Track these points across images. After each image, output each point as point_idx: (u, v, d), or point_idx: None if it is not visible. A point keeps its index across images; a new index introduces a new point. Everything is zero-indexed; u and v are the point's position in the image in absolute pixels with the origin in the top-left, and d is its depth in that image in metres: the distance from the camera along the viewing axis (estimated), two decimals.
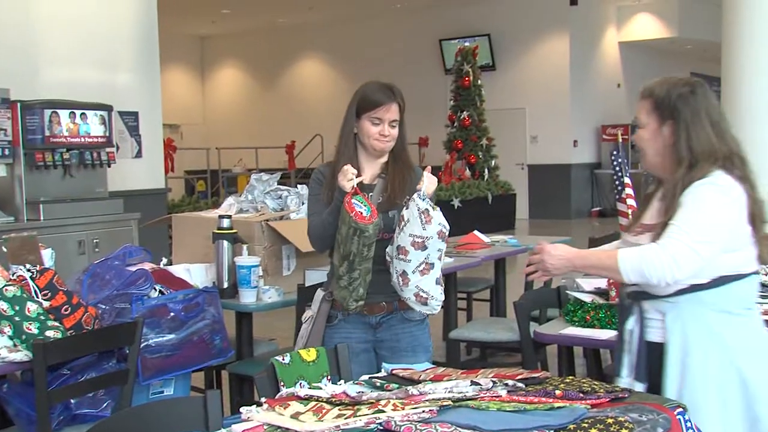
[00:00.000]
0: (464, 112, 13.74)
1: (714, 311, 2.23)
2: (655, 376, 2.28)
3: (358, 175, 2.77)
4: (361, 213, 2.66)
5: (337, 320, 2.91)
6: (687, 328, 2.24)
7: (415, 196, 2.66)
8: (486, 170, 13.82)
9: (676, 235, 2.16)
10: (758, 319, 2.34)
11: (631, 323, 2.35)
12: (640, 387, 2.28)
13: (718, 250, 2.18)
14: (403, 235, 2.66)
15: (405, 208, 2.68)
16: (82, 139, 6.13)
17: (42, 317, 2.85)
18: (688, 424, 1.91)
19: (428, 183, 2.69)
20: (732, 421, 2.20)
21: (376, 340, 2.91)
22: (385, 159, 2.94)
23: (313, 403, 1.92)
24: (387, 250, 2.73)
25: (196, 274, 3.74)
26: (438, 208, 2.66)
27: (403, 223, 2.67)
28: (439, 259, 2.71)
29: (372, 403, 1.89)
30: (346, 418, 1.79)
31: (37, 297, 2.93)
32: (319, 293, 2.95)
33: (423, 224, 2.61)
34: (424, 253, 2.65)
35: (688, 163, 2.25)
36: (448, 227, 2.67)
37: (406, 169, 2.91)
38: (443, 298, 2.77)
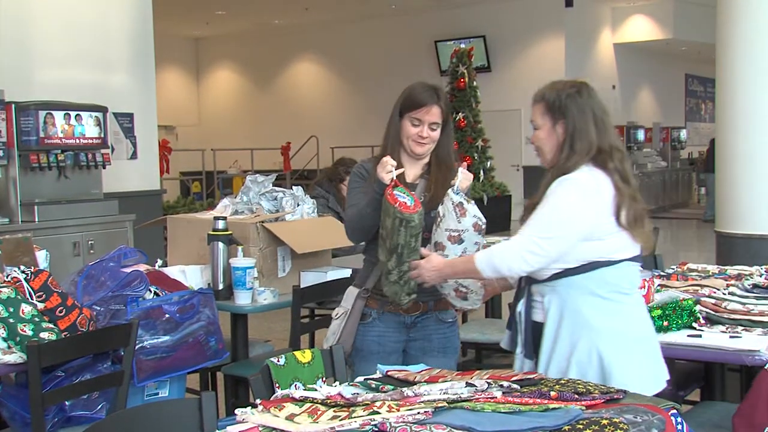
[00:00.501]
0: (460, 114, 13.74)
1: (584, 294, 2.42)
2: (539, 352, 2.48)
3: (398, 167, 2.75)
4: (405, 203, 2.63)
5: (371, 318, 2.89)
6: (560, 309, 2.44)
7: (449, 191, 2.67)
8: (481, 171, 13.83)
9: (525, 230, 2.42)
10: (631, 304, 2.48)
11: (521, 305, 2.55)
12: (529, 363, 2.51)
13: (568, 243, 2.37)
14: (440, 231, 2.66)
15: (440, 204, 2.69)
16: (77, 141, 6.12)
17: (36, 319, 2.85)
18: (680, 426, 1.91)
19: (462, 178, 2.70)
20: None
21: (409, 340, 2.91)
22: (426, 160, 2.92)
23: (308, 405, 1.92)
24: (424, 249, 2.69)
25: (191, 275, 3.74)
26: (473, 202, 2.67)
27: (439, 219, 2.68)
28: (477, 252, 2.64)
29: (367, 404, 1.89)
30: (341, 420, 1.79)
31: (32, 299, 2.92)
32: (353, 290, 2.94)
33: (458, 217, 2.63)
34: (461, 246, 2.64)
35: (566, 157, 2.46)
36: (484, 220, 2.67)
37: (449, 172, 2.84)
38: (483, 293, 2.76)
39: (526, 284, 2.54)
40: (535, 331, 2.50)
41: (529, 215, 2.47)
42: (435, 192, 2.84)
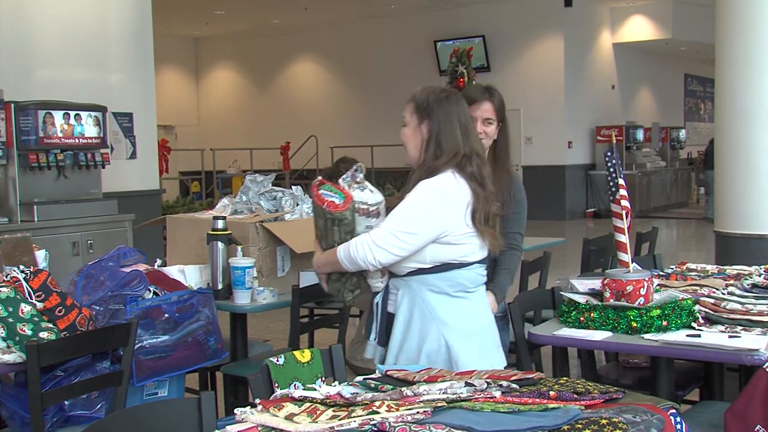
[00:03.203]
0: None
1: (434, 291, 2.62)
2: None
3: None
4: (334, 201, 2.64)
5: None
6: (412, 303, 2.63)
7: (340, 180, 2.72)
8: None
9: (383, 224, 2.58)
10: (475, 300, 2.71)
11: (379, 297, 2.72)
12: (381, 350, 2.71)
13: (422, 237, 2.53)
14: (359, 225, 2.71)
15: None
16: (77, 140, 6.12)
17: (36, 318, 2.85)
18: (679, 426, 1.92)
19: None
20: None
21: None
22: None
23: (307, 405, 1.92)
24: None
25: (190, 275, 3.74)
26: (366, 186, 2.73)
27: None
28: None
29: (366, 404, 1.89)
30: (340, 420, 1.79)
31: (31, 298, 2.92)
32: None
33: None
34: (355, 229, 2.70)
35: (433, 156, 2.62)
36: (372, 202, 2.70)
37: (504, 175, 3.01)
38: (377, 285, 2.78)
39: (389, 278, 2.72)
40: (389, 321, 2.70)
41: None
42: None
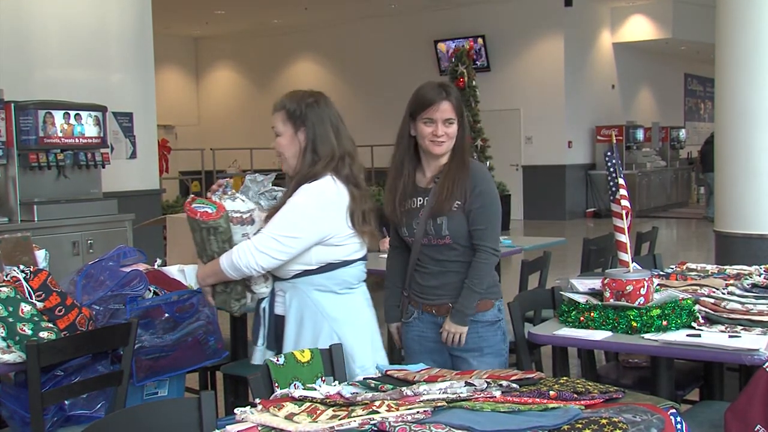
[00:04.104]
0: None
1: (322, 291, 2.70)
2: (281, 343, 2.74)
3: (411, 172, 2.95)
4: (207, 211, 2.68)
5: (412, 317, 3.01)
6: (301, 304, 2.71)
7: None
8: None
9: (264, 229, 2.63)
10: (358, 295, 2.81)
11: (265, 302, 2.78)
12: (270, 354, 2.73)
13: (304, 241, 2.61)
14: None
15: None
16: (77, 140, 6.12)
17: (36, 318, 2.85)
18: (679, 426, 1.92)
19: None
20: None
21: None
22: (445, 160, 2.92)
23: (307, 404, 1.92)
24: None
25: (190, 275, 3.73)
26: (236, 197, 2.78)
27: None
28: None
29: (366, 404, 1.89)
30: (340, 419, 1.79)
31: (31, 298, 2.92)
32: None
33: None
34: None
35: (311, 162, 2.68)
36: (244, 210, 2.76)
37: (460, 171, 2.87)
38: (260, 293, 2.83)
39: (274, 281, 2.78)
40: (278, 323, 2.76)
41: (272, 217, 2.67)
42: (439, 198, 2.86)
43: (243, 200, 2.80)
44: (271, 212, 2.72)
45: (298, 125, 2.72)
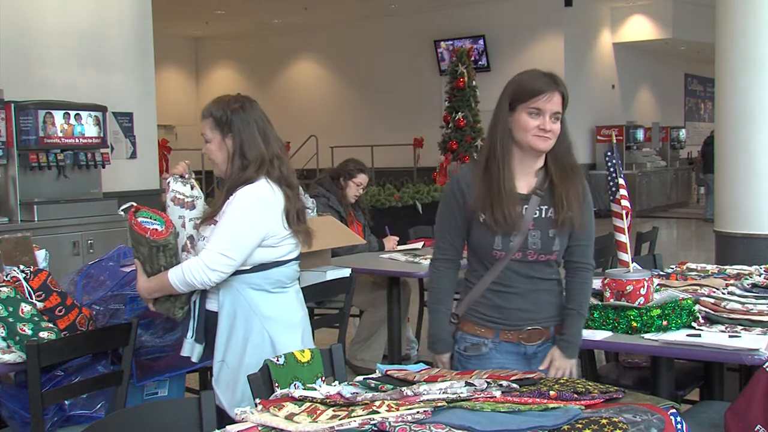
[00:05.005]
0: (459, 113, 13.73)
1: (255, 289, 2.74)
2: (212, 338, 2.77)
3: (509, 172, 2.48)
4: (156, 229, 2.74)
5: (486, 349, 2.54)
6: (234, 302, 2.73)
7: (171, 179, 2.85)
8: None
9: (209, 245, 2.66)
10: (290, 294, 2.85)
11: (196, 295, 2.80)
12: (199, 347, 2.79)
13: (249, 248, 2.67)
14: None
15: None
16: (77, 140, 6.12)
17: (36, 318, 2.85)
18: (679, 426, 1.91)
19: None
20: None
21: None
22: (540, 164, 2.53)
23: (307, 404, 1.92)
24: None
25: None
26: (187, 182, 2.85)
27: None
28: (183, 226, 2.83)
29: (366, 404, 1.89)
30: (340, 419, 1.79)
31: (31, 298, 2.92)
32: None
33: (164, 193, 2.88)
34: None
35: (240, 167, 2.73)
36: (188, 195, 2.83)
37: (573, 176, 2.51)
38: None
39: None
40: (209, 319, 2.78)
41: (207, 222, 2.73)
42: (558, 210, 2.48)
43: (192, 186, 2.87)
44: (208, 215, 2.76)
45: (225, 131, 2.77)
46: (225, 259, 2.64)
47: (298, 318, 2.86)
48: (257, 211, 2.68)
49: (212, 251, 2.65)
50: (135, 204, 2.82)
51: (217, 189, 3.09)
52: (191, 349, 2.82)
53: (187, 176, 2.86)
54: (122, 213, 2.90)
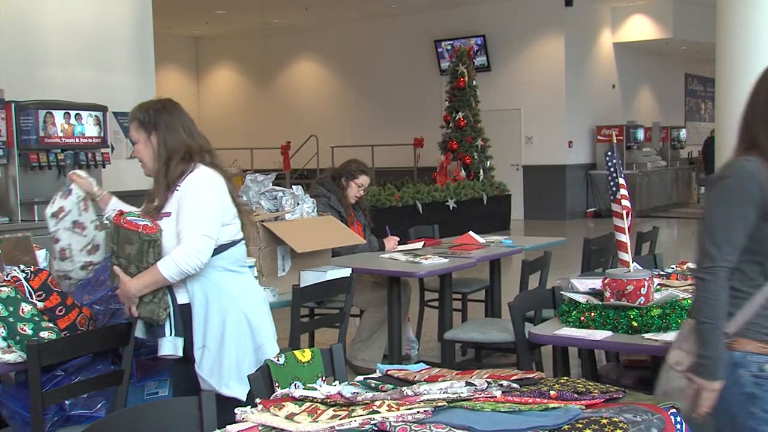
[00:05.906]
0: (459, 113, 13.73)
1: (221, 271, 2.88)
2: (189, 329, 2.85)
3: None
4: (147, 224, 2.80)
5: None
6: (204, 289, 2.85)
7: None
8: (481, 171, 13.81)
9: (189, 231, 2.77)
10: (249, 273, 3.06)
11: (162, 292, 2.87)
12: (180, 341, 2.86)
13: (219, 225, 2.84)
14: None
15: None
16: (77, 140, 6.12)
17: (36, 318, 2.85)
18: (679, 426, 1.92)
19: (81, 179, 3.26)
20: (244, 350, 2.87)
21: None
22: None
23: (307, 404, 1.92)
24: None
25: None
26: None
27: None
28: (96, 229, 3.18)
29: (367, 403, 1.89)
30: (340, 419, 1.79)
31: (32, 298, 2.92)
32: None
33: (80, 210, 3.18)
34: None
35: (166, 160, 2.88)
36: (78, 194, 3.16)
37: None
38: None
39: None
40: (183, 312, 2.86)
41: (156, 214, 2.86)
42: None
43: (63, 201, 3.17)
44: (153, 209, 2.87)
45: (149, 130, 2.93)
46: (208, 240, 2.78)
47: (261, 296, 3.05)
48: (214, 189, 2.86)
49: (195, 236, 2.77)
50: (120, 209, 2.97)
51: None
52: (173, 346, 2.86)
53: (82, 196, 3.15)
54: (107, 222, 3.04)
